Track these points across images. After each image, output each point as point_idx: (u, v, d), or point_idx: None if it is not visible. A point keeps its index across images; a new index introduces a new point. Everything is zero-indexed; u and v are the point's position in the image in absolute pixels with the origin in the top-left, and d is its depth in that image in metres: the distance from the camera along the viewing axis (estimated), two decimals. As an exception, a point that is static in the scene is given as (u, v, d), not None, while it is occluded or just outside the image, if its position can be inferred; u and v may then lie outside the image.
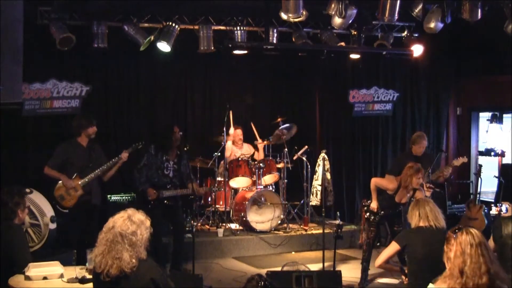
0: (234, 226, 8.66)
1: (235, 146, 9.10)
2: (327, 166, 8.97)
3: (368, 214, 6.73)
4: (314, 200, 9.27)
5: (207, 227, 8.70)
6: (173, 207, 7.04)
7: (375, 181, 6.80)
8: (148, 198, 6.90)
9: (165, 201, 6.96)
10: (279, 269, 6.05)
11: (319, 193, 9.19)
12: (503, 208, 8.12)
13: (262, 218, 8.55)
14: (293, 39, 8.65)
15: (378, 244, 6.83)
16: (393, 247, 5.00)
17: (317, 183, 9.29)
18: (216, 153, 8.75)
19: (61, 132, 7.68)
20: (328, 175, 9.09)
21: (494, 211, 8.33)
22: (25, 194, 5.09)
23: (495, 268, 3.20)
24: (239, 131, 9.08)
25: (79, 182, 6.71)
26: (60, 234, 7.10)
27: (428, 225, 4.84)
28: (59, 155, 6.83)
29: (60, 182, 6.68)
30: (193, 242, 6.33)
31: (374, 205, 6.68)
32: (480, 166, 8.68)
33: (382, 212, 6.64)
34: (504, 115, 9.80)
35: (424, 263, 4.74)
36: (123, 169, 8.57)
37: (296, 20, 7.67)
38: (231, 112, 8.84)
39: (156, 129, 8.83)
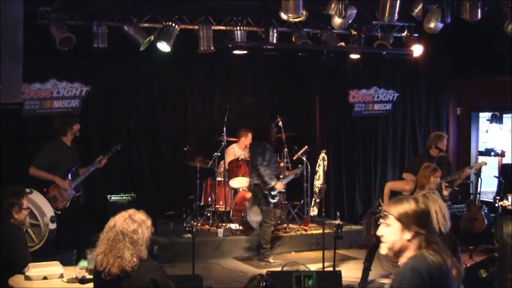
0: (234, 226, 8.65)
1: (240, 149, 9.08)
2: (325, 167, 8.94)
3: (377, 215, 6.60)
4: (316, 204, 9.24)
5: (207, 227, 8.69)
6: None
7: (389, 186, 6.73)
8: (274, 193, 7.66)
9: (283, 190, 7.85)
10: (279, 269, 6.05)
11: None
12: (509, 200, 8.05)
13: (262, 218, 8.54)
14: (293, 39, 8.65)
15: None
16: None
17: (318, 183, 9.28)
18: (216, 153, 8.74)
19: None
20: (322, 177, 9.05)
21: (497, 204, 8.20)
22: (22, 195, 5.04)
23: None
24: (250, 135, 9.09)
25: (71, 183, 6.72)
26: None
27: None
28: (47, 155, 6.75)
29: (54, 183, 6.66)
30: (193, 242, 6.33)
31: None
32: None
33: None
34: (504, 115, 9.80)
35: None
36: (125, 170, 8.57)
37: (296, 20, 7.67)
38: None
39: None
